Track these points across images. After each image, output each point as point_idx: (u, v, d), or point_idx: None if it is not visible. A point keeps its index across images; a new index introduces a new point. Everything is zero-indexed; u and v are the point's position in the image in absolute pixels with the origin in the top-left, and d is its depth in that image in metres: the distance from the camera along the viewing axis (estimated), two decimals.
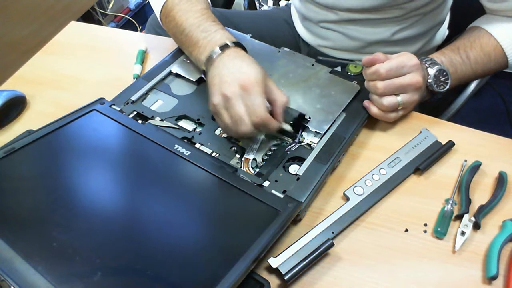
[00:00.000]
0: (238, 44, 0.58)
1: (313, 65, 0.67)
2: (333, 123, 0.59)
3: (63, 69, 0.74)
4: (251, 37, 0.73)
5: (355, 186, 0.54)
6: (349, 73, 0.83)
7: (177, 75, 0.68)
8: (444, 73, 0.61)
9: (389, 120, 0.61)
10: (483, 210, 0.51)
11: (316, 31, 0.85)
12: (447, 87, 0.62)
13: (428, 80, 0.61)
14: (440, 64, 0.61)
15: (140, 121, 0.61)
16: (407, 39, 0.79)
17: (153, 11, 0.73)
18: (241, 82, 0.52)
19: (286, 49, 0.71)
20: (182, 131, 0.60)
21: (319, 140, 0.58)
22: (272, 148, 0.58)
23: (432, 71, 0.60)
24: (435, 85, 0.61)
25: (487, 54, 0.64)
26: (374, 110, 0.60)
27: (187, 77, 0.66)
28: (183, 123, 0.61)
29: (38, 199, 0.50)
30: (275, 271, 0.47)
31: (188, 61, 0.69)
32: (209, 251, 0.46)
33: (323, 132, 0.58)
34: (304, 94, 0.63)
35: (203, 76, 0.64)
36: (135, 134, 0.57)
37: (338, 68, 0.85)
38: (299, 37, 0.92)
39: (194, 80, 0.66)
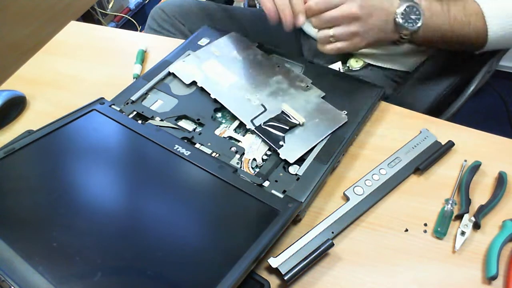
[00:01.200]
0: None
1: (307, 86, 0.64)
2: (307, 152, 0.56)
3: (63, 69, 0.74)
4: (257, 46, 0.71)
5: (355, 186, 0.54)
6: (350, 68, 0.82)
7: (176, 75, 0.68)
8: (417, 12, 0.60)
9: (328, 52, 0.60)
10: (483, 210, 0.51)
11: None
12: (418, 25, 0.60)
13: (396, 14, 0.59)
14: (415, 2, 0.60)
15: (140, 121, 0.61)
16: None
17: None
18: None
19: (286, 65, 0.68)
20: (182, 131, 0.60)
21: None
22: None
23: (402, 6, 0.59)
24: (403, 21, 0.59)
25: (467, 16, 0.62)
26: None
27: (181, 78, 0.66)
28: (183, 123, 0.61)
29: (38, 199, 0.50)
30: (275, 271, 0.47)
31: (186, 62, 0.69)
32: (209, 251, 0.46)
33: (292, 162, 0.55)
34: None
35: (195, 80, 0.65)
36: (135, 134, 0.57)
37: (339, 63, 0.84)
38: (300, 32, 0.92)
39: (187, 83, 0.66)
